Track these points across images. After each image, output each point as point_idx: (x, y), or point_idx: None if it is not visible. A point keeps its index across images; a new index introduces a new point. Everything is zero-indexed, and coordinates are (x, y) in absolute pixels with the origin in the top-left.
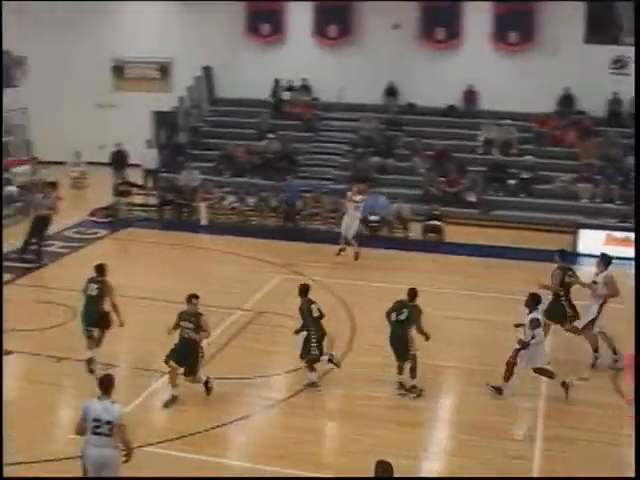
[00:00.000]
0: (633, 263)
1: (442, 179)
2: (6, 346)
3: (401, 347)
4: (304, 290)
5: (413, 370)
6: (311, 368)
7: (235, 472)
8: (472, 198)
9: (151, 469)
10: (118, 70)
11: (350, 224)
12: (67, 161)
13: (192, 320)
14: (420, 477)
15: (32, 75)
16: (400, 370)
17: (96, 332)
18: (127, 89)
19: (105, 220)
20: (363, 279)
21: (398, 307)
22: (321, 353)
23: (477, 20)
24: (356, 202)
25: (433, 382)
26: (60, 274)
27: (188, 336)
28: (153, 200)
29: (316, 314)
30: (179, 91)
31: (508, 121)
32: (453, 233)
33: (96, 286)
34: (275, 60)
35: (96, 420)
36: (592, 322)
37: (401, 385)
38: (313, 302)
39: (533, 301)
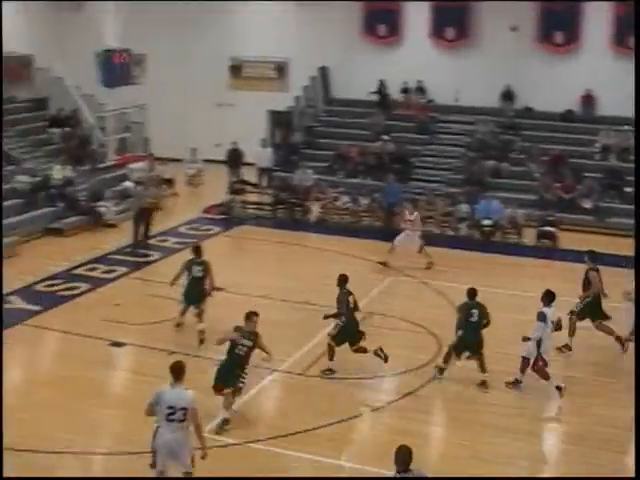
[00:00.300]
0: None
1: (557, 185)
2: (118, 338)
3: (477, 346)
4: (343, 280)
5: (483, 365)
6: (330, 353)
7: (336, 472)
8: (588, 205)
9: (256, 466)
10: (235, 69)
11: (406, 240)
12: (183, 158)
13: (251, 338)
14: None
15: (151, 73)
16: (447, 361)
17: (194, 309)
18: (244, 88)
19: (219, 217)
20: (474, 284)
21: (467, 310)
22: (338, 343)
23: (597, 23)
24: (411, 221)
25: (543, 390)
26: (172, 269)
27: (242, 353)
28: (267, 199)
29: (351, 305)
30: (295, 91)
31: (627, 127)
32: (567, 240)
33: (199, 268)
34: (391, 61)
35: (170, 407)
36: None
37: (441, 370)
38: (351, 294)
39: (547, 297)
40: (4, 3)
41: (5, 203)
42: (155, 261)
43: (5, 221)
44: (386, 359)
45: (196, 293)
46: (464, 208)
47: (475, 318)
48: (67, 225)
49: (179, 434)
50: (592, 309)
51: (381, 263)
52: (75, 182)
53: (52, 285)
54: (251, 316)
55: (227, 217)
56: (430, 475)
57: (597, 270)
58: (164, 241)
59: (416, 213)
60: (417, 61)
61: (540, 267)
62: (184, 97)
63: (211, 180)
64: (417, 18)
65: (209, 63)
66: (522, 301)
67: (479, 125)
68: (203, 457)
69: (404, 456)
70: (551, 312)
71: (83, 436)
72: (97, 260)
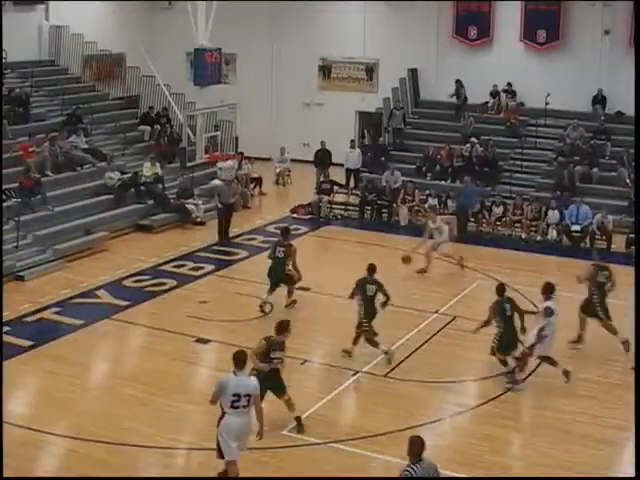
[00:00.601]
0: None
1: None
2: (203, 335)
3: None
4: (370, 270)
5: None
6: (371, 343)
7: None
8: None
9: (336, 466)
10: (325, 70)
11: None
12: (272, 158)
13: (282, 348)
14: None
15: (241, 72)
16: (505, 363)
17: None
18: (333, 89)
19: (306, 217)
20: (563, 290)
21: (499, 306)
22: (369, 331)
23: None
24: (437, 228)
25: (626, 400)
26: (259, 268)
27: (278, 366)
28: (354, 200)
29: (370, 293)
30: (384, 92)
31: None
32: None
33: (282, 249)
34: (481, 63)
35: (235, 395)
36: None
37: (516, 370)
38: (374, 282)
39: (548, 289)
40: (100, 3)
41: (95, 199)
42: (241, 259)
43: (95, 217)
44: (347, 353)
45: (277, 273)
46: (553, 213)
47: (509, 312)
48: (156, 222)
49: (244, 419)
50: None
51: (461, 265)
52: (164, 180)
53: (139, 280)
54: (284, 329)
55: (314, 217)
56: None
57: (603, 269)
58: (251, 239)
59: (439, 218)
60: (508, 64)
61: (628, 275)
62: (273, 97)
63: (299, 180)
64: (508, 20)
65: (299, 63)
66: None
67: (570, 129)
68: (259, 438)
69: (417, 447)
70: (554, 305)
71: (165, 431)
72: (185, 257)
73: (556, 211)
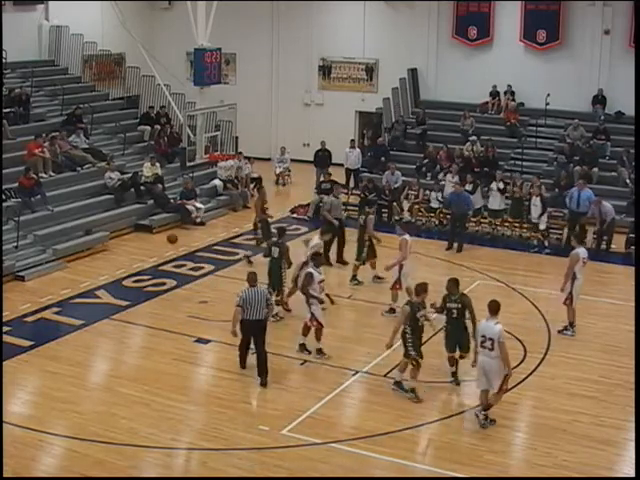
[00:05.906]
0: None
1: None
2: (203, 335)
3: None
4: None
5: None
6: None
7: (413, 474)
8: None
9: (334, 465)
10: (325, 69)
11: None
12: (272, 157)
13: (423, 307)
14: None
15: (241, 72)
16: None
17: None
18: (333, 89)
19: (306, 217)
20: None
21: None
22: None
23: None
24: None
25: (625, 400)
26: (258, 268)
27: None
28: (354, 199)
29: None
30: (384, 92)
31: None
32: None
33: (277, 249)
34: (481, 63)
35: (482, 337)
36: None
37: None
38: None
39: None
40: (101, 3)
41: (95, 199)
42: (242, 259)
43: (95, 217)
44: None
45: (274, 273)
46: (535, 200)
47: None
48: (156, 222)
49: (487, 359)
50: None
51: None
52: (164, 180)
53: (139, 281)
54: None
55: (314, 217)
56: None
57: None
58: (251, 239)
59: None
60: (508, 64)
61: (628, 274)
62: (273, 97)
63: (299, 180)
64: (508, 20)
65: (299, 63)
66: (606, 307)
67: (570, 129)
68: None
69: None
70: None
71: (165, 431)
72: (185, 257)
73: (538, 198)
